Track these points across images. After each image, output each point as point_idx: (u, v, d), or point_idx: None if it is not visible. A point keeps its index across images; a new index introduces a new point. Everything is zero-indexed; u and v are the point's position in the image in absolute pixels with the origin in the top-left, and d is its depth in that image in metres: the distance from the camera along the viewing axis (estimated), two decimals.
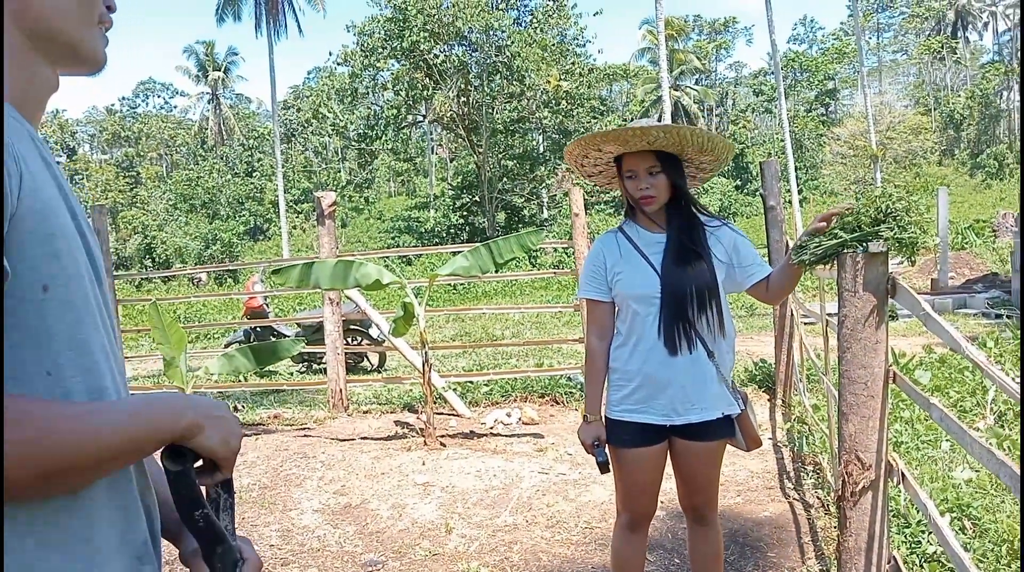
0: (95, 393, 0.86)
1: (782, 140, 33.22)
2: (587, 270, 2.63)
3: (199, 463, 0.95)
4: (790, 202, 27.56)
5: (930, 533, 3.34)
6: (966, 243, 20.27)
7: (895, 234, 2.34)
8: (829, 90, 53.45)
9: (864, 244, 2.41)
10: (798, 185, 34.09)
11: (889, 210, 2.39)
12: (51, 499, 0.80)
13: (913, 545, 3.37)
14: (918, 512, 3.49)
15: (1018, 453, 4.24)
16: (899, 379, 2.59)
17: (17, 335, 0.78)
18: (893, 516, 3.53)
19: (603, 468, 2.58)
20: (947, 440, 4.85)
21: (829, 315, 4.37)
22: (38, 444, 0.74)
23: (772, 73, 42.44)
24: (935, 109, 49.02)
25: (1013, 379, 1.79)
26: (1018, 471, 1.72)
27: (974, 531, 3.52)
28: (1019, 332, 7.47)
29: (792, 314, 6.14)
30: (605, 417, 2.63)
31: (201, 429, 0.91)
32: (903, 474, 2.56)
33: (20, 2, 0.87)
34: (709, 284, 2.45)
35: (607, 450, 2.59)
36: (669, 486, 2.91)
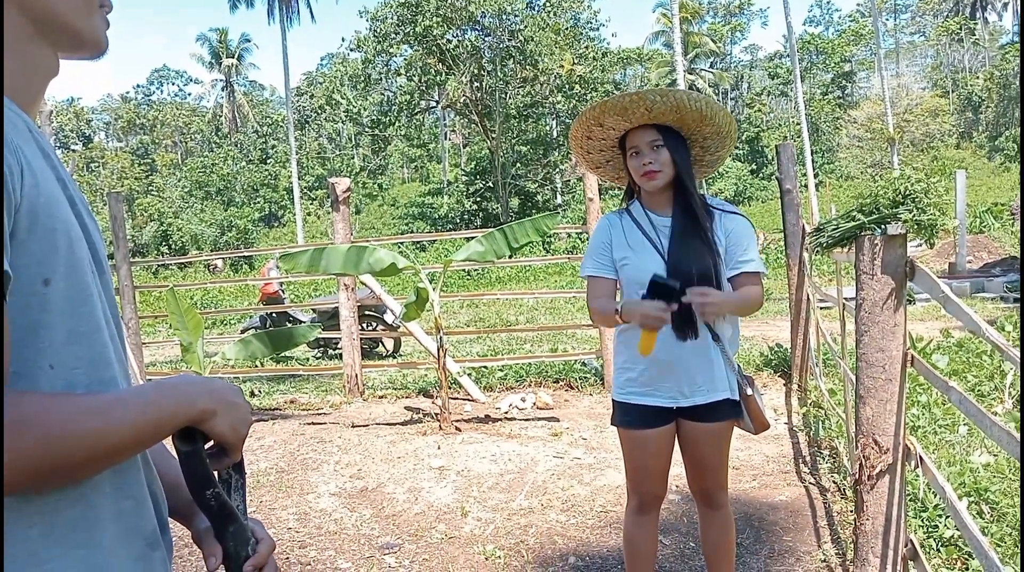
0: (99, 384, 0.86)
1: (798, 123, 33.02)
2: (593, 248, 2.58)
3: (210, 445, 0.96)
4: (806, 186, 27.40)
5: (947, 517, 3.33)
6: (984, 226, 20.10)
7: (914, 216, 2.32)
8: (845, 72, 52.89)
9: (882, 226, 2.39)
10: (814, 169, 33.87)
11: (908, 192, 2.37)
12: (57, 490, 0.80)
13: (930, 529, 3.36)
14: (935, 496, 3.48)
15: None
16: (917, 362, 2.58)
17: (19, 330, 0.78)
18: (910, 500, 3.52)
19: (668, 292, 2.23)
20: (964, 424, 4.82)
21: (846, 299, 4.35)
22: (52, 440, 0.75)
23: (788, 56, 42.08)
24: (953, 91, 48.48)
25: None
26: None
27: (992, 515, 3.50)
28: (1020, 317, 7.40)
29: (808, 298, 6.11)
30: (612, 400, 2.64)
31: (214, 414, 0.92)
32: (921, 458, 2.54)
33: None
34: (715, 268, 2.43)
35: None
36: (683, 470, 2.91)
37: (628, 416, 2.57)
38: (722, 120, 2.48)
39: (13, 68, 0.87)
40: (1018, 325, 7.77)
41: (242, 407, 0.98)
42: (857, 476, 2.62)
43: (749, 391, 2.53)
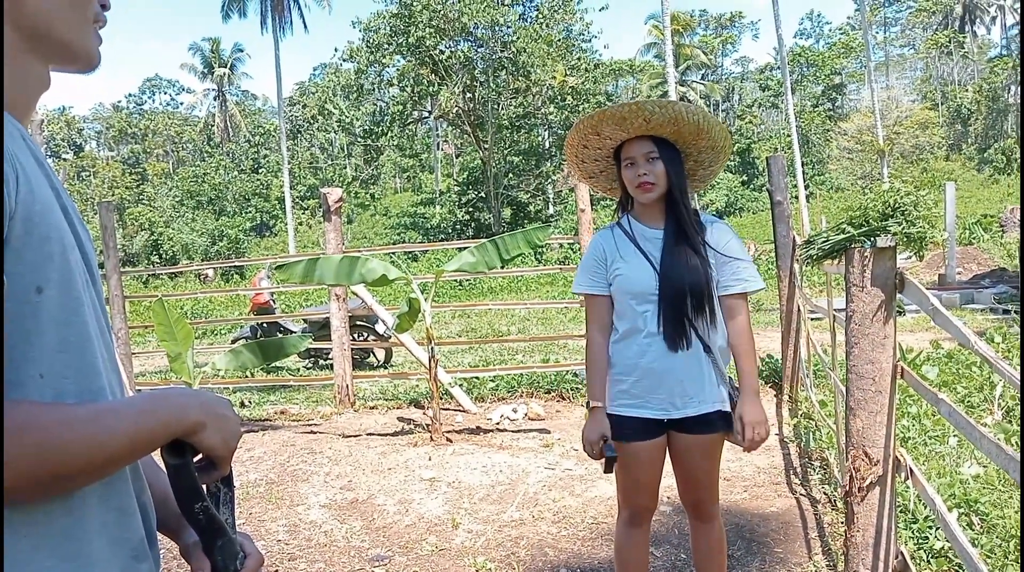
0: (89, 394, 0.86)
1: (788, 135, 33.16)
2: (586, 265, 2.60)
3: (198, 457, 0.96)
4: (797, 197, 27.50)
5: (937, 529, 3.33)
6: (973, 238, 20.21)
7: (903, 229, 2.33)
8: (836, 85, 53.25)
9: (872, 239, 2.40)
10: (805, 180, 34.02)
11: (897, 205, 2.38)
12: (46, 501, 0.80)
13: (920, 541, 3.37)
14: (925, 508, 3.48)
15: None
16: (907, 374, 2.59)
17: (11, 338, 0.77)
18: (900, 511, 3.52)
19: (610, 466, 2.48)
20: (954, 435, 4.83)
21: (836, 311, 4.36)
22: (47, 449, 0.75)
23: (778, 68, 42.33)
24: (942, 104, 48.86)
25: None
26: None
27: (982, 527, 3.51)
28: (1021, 326, 7.44)
29: (799, 310, 6.13)
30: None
31: (204, 427, 0.92)
32: (911, 469, 2.55)
33: (13, 0, 0.87)
34: (706, 280, 2.44)
35: (614, 447, 2.51)
36: (675, 482, 2.90)
37: (620, 429, 2.54)
38: (717, 134, 2.50)
39: (6, 80, 0.87)
40: (1007, 337, 7.81)
41: (232, 420, 0.98)
42: (847, 487, 2.62)
43: (738, 405, 2.53)
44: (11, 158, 0.78)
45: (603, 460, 2.48)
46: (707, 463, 2.58)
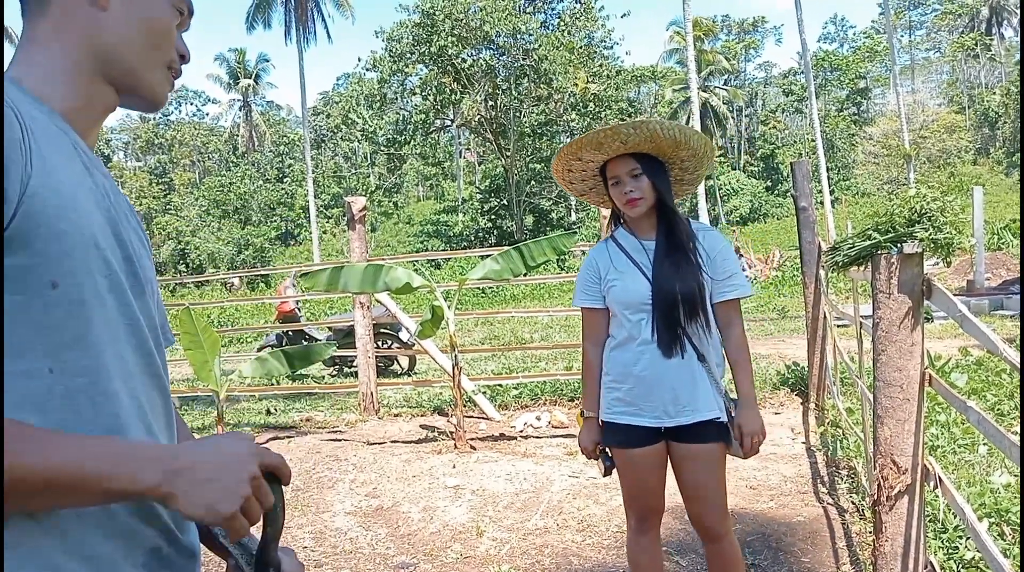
0: (102, 396, 0.85)
1: (813, 140, 32.95)
2: (582, 280, 2.66)
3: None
4: (822, 203, 27.30)
5: (967, 538, 3.29)
6: (1002, 243, 19.91)
7: (930, 234, 2.31)
8: (861, 89, 52.83)
9: (898, 245, 2.38)
10: (830, 185, 33.78)
11: (924, 210, 2.36)
12: (30, 519, 0.78)
13: (950, 551, 3.32)
14: (955, 517, 3.44)
15: None
16: (935, 382, 2.56)
17: (22, 329, 0.77)
18: (929, 521, 3.48)
19: (608, 472, 2.68)
20: (984, 444, 4.77)
21: (863, 317, 4.32)
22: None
23: (802, 72, 42.08)
24: (969, 107, 48.32)
25: None
26: None
27: (1013, 537, 3.46)
28: (1020, 333, 7.31)
29: (825, 316, 6.08)
30: (600, 420, 2.65)
31: (172, 497, 0.80)
32: (940, 478, 2.52)
33: (95, 25, 0.91)
34: (698, 288, 2.47)
35: (610, 452, 2.67)
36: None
37: (617, 435, 2.59)
38: (697, 143, 2.53)
39: (73, 94, 0.91)
40: None
41: (226, 478, 0.82)
42: (876, 497, 2.60)
43: (736, 414, 2.52)
44: (17, 143, 0.77)
45: (599, 462, 2.71)
46: (707, 475, 2.54)
